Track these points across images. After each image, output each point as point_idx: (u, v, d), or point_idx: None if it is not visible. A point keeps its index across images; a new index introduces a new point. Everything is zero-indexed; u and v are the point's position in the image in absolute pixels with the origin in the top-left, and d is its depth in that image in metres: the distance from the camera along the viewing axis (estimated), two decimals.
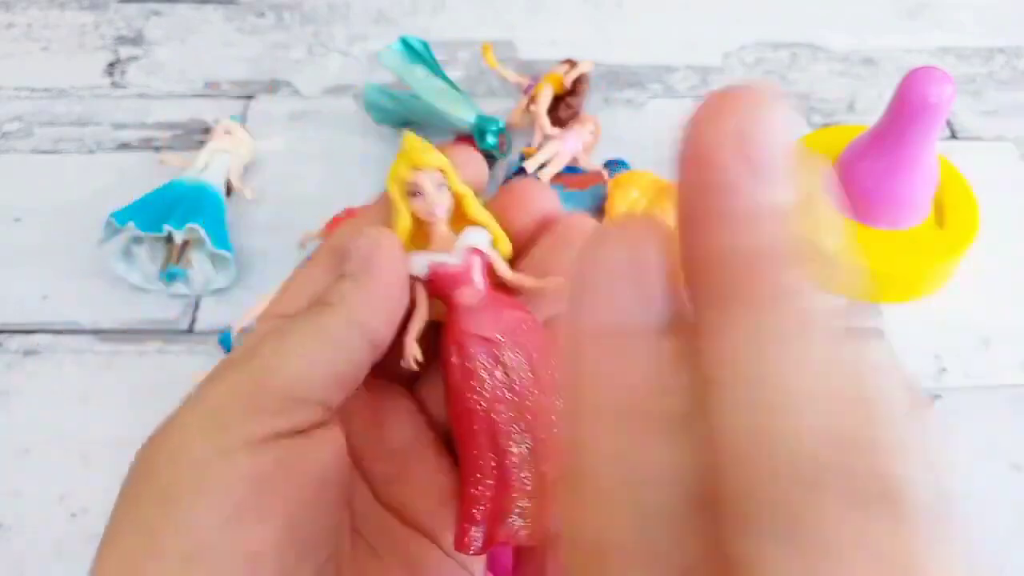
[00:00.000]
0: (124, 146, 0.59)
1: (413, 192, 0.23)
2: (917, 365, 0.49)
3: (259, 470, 0.19)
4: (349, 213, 0.52)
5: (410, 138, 0.24)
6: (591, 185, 0.53)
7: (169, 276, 0.50)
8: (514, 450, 0.23)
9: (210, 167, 0.54)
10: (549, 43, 0.67)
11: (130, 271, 0.50)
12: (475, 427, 0.23)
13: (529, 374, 0.23)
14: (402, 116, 0.59)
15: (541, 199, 0.25)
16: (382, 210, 0.24)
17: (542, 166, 0.55)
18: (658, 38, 0.68)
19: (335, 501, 0.21)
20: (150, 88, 0.63)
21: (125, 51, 0.66)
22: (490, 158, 0.57)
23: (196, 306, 0.50)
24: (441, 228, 0.24)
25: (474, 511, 0.23)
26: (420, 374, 0.24)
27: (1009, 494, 0.44)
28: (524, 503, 0.23)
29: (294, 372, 0.20)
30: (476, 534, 0.23)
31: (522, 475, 0.23)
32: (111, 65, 0.65)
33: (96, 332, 0.49)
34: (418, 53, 0.59)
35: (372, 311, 0.22)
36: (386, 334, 0.22)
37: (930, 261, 0.51)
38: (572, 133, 0.56)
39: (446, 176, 0.24)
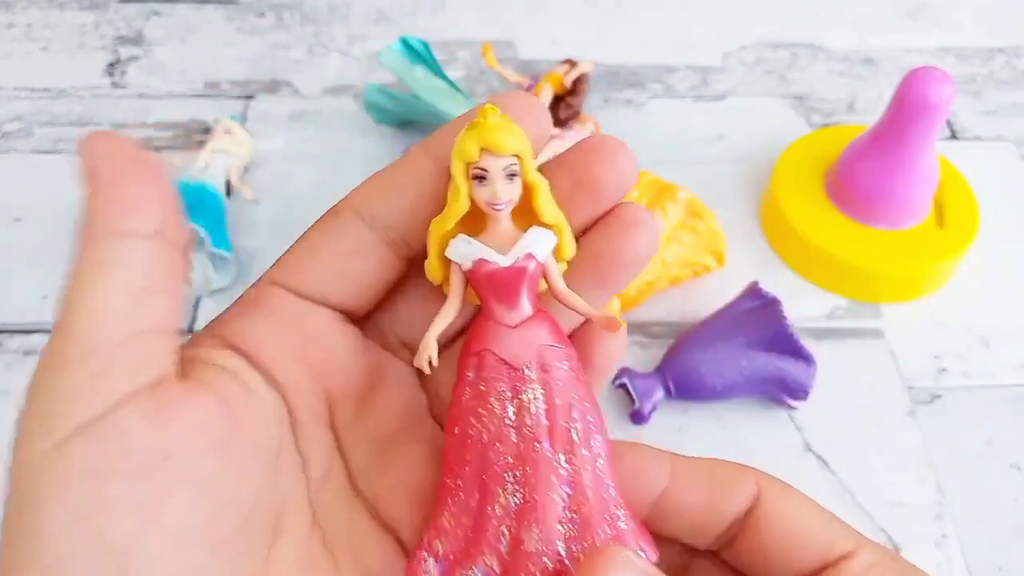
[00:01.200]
0: None
1: (478, 176, 0.20)
2: (917, 365, 0.49)
3: (97, 458, 0.17)
4: None
5: (490, 111, 0.20)
6: None
7: None
8: (501, 499, 0.20)
9: (210, 167, 0.54)
10: (549, 43, 0.67)
11: None
12: (467, 456, 0.20)
13: (545, 422, 0.20)
14: (402, 116, 0.59)
15: (621, 171, 0.21)
16: (411, 175, 0.22)
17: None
18: (658, 38, 0.68)
19: (244, 479, 0.19)
20: (150, 88, 0.63)
21: (125, 51, 0.66)
22: None
23: (196, 306, 0.50)
24: (502, 220, 0.21)
25: (436, 542, 0.20)
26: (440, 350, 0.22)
27: (1009, 494, 0.44)
28: (492, 561, 0.20)
29: (92, 315, 0.18)
30: (431, 568, 0.20)
31: (500, 528, 0.20)
32: (111, 65, 0.65)
33: None
34: (418, 53, 0.59)
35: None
36: (178, 233, 0.19)
37: (930, 261, 0.51)
38: (572, 133, 0.56)
39: (521, 163, 0.20)
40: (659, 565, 0.20)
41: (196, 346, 0.21)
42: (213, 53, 0.66)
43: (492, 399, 0.20)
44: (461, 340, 0.22)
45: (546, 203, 0.21)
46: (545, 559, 0.20)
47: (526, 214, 0.21)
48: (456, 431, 0.21)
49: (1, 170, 0.58)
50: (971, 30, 0.70)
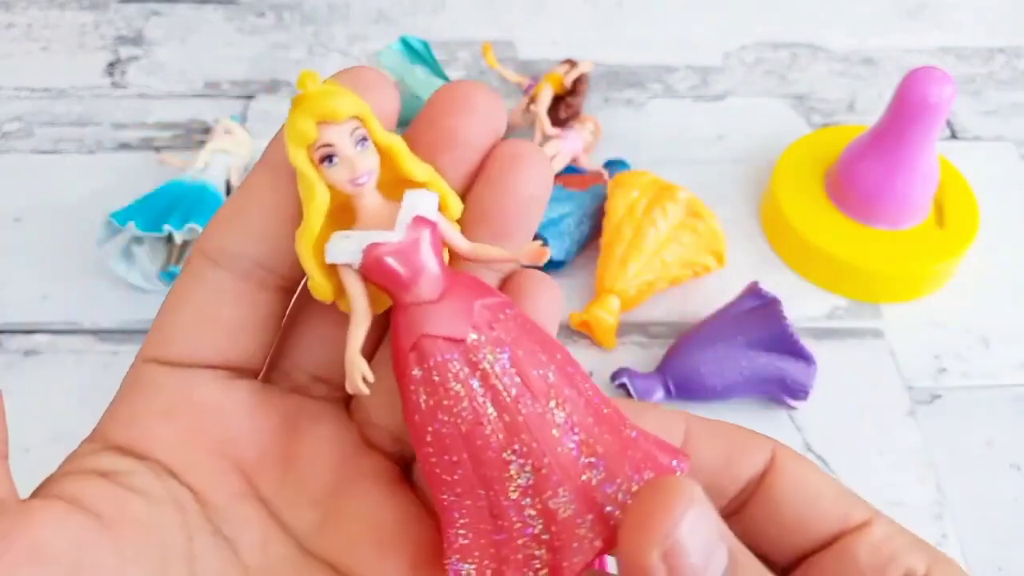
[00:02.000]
0: (124, 146, 0.59)
1: (325, 156, 0.17)
2: (917, 365, 0.49)
3: None
4: None
5: (308, 77, 0.17)
6: (591, 185, 0.53)
7: (169, 276, 0.50)
8: (511, 483, 0.18)
9: (210, 167, 0.54)
10: (549, 43, 0.67)
11: (130, 271, 0.50)
12: (453, 459, 0.18)
13: (517, 379, 0.18)
14: (402, 116, 0.59)
15: (480, 116, 0.19)
16: (252, 197, 0.19)
17: None
18: (658, 38, 0.68)
19: None
20: (150, 88, 0.63)
21: (125, 51, 0.66)
22: None
23: None
24: (370, 197, 0.18)
25: (465, 567, 0.18)
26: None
27: (1009, 494, 0.44)
28: (538, 551, 0.18)
29: None
30: None
31: (527, 514, 0.18)
32: (111, 65, 0.65)
33: (96, 332, 0.49)
34: (418, 53, 0.59)
35: None
36: None
37: (930, 261, 0.51)
38: (572, 133, 0.56)
39: (366, 125, 0.18)
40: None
41: (73, 458, 0.19)
42: (213, 53, 0.66)
43: (452, 384, 0.18)
44: (377, 356, 0.20)
45: (411, 161, 0.18)
46: (588, 516, 0.18)
47: (391, 184, 0.18)
48: (429, 439, 0.18)
49: (1, 170, 0.58)
50: (971, 30, 0.70)
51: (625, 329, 0.50)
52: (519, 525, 0.18)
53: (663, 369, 0.46)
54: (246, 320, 0.20)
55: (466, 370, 0.18)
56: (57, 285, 0.51)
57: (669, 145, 0.60)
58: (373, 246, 0.18)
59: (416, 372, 0.18)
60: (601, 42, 0.67)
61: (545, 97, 0.58)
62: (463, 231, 0.19)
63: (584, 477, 0.18)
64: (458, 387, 0.18)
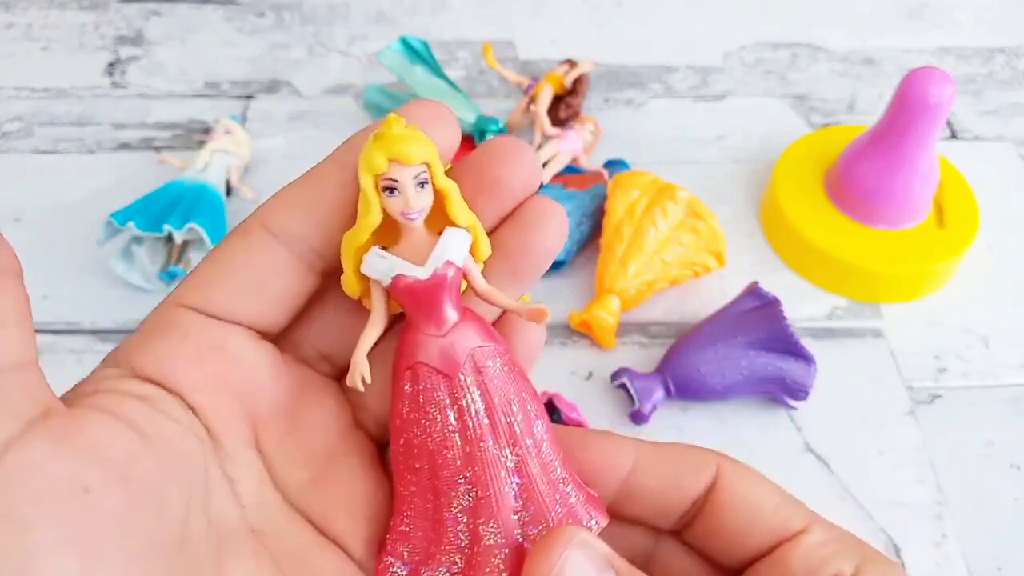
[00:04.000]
0: (124, 146, 0.59)
1: (388, 187, 0.20)
2: (917, 365, 0.49)
3: (11, 500, 0.16)
4: None
5: (393, 121, 0.20)
6: (591, 185, 0.53)
7: (169, 276, 0.50)
8: (455, 501, 0.21)
9: (210, 167, 0.54)
10: (549, 43, 0.67)
11: (130, 271, 0.50)
12: (415, 464, 0.21)
13: (485, 421, 0.20)
14: None
15: (523, 171, 0.22)
16: (321, 188, 0.21)
17: (542, 166, 0.55)
18: (658, 38, 0.68)
19: (172, 500, 0.18)
20: (150, 88, 0.63)
21: (125, 51, 0.66)
22: None
23: None
24: (416, 229, 0.20)
25: (401, 548, 0.21)
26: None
27: (1009, 494, 0.44)
28: (456, 558, 0.21)
29: None
30: (399, 571, 0.21)
31: (460, 528, 0.21)
32: (111, 65, 0.65)
33: (96, 332, 0.49)
34: (418, 53, 0.59)
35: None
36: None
37: (930, 261, 0.51)
38: (572, 133, 0.56)
39: (430, 170, 0.20)
40: (623, 548, 0.21)
41: (99, 379, 0.20)
42: (213, 53, 0.66)
43: (432, 409, 0.20)
44: (381, 346, 0.22)
45: (459, 207, 0.21)
46: (505, 550, 0.21)
47: (438, 217, 0.21)
48: (402, 442, 0.21)
49: (1, 170, 0.58)
50: (971, 30, 0.70)
51: (625, 329, 0.50)
52: (451, 535, 0.21)
53: (663, 369, 0.46)
54: (289, 293, 0.22)
55: (447, 401, 0.20)
56: (57, 285, 0.51)
57: (669, 145, 0.60)
58: (400, 276, 0.20)
59: (407, 387, 0.21)
60: (601, 42, 0.67)
61: (545, 97, 0.58)
62: (487, 260, 0.22)
63: (515, 517, 0.21)
64: (436, 412, 0.20)
